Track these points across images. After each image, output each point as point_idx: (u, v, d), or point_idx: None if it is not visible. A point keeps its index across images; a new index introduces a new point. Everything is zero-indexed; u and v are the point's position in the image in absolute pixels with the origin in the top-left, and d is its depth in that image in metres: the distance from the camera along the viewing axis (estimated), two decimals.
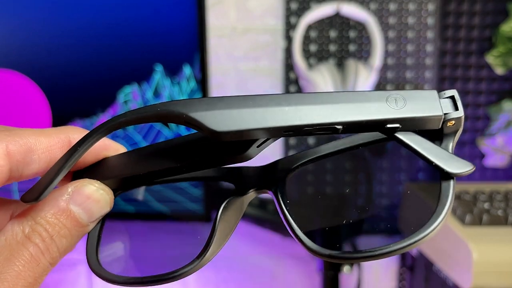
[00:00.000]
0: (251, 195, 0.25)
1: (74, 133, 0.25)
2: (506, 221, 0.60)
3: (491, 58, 0.79)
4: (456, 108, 0.21)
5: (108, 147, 0.26)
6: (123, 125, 0.22)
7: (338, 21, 0.78)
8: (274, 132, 0.20)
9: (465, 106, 0.80)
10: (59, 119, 0.69)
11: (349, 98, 0.20)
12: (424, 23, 0.78)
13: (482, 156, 0.82)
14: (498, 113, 0.80)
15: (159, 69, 0.66)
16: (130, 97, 0.67)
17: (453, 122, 0.21)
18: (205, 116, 0.19)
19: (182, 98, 0.22)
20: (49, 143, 0.24)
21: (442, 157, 0.21)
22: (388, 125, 0.21)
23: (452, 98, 0.21)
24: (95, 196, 0.23)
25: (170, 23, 0.64)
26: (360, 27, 0.78)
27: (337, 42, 0.79)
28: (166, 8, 0.64)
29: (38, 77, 0.68)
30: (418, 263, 0.76)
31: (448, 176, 0.21)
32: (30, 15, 0.66)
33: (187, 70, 0.65)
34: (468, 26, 0.79)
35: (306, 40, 0.78)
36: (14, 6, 0.66)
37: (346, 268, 0.72)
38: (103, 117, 0.68)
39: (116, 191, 0.24)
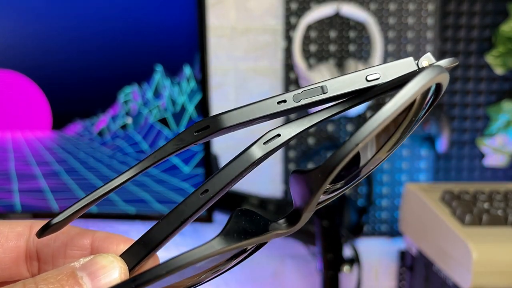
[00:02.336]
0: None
1: (98, 238, 0.25)
2: (506, 221, 0.60)
3: (490, 58, 0.79)
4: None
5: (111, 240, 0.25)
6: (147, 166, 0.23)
7: (338, 21, 0.78)
8: (269, 105, 0.22)
9: (465, 106, 0.80)
10: (59, 119, 0.69)
11: None
12: (424, 23, 0.78)
13: (482, 156, 0.82)
14: (498, 113, 0.80)
15: (159, 69, 0.66)
16: (130, 97, 0.67)
17: (426, 61, 0.22)
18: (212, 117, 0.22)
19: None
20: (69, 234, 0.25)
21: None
22: (369, 77, 0.22)
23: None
24: (102, 263, 0.21)
25: (170, 23, 0.64)
26: (360, 27, 0.78)
27: (337, 42, 0.79)
28: (166, 8, 0.64)
29: (38, 77, 0.68)
30: (418, 263, 0.76)
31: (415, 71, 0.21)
32: (30, 15, 0.66)
33: (187, 70, 0.65)
34: (468, 26, 0.79)
35: (306, 40, 0.78)
36: (14, 6, 0.66)
37: (346, 268, 0.72)
38: (103, 117, 0.68)
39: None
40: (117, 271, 0.21)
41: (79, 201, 0.22)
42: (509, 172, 0.82)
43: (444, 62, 0.21)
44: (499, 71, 0.79)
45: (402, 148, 0.82)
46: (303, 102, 0.22)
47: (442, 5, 0.78)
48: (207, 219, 0.70)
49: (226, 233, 0.20)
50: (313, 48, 0.79)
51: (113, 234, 0.25)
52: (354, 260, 0.73)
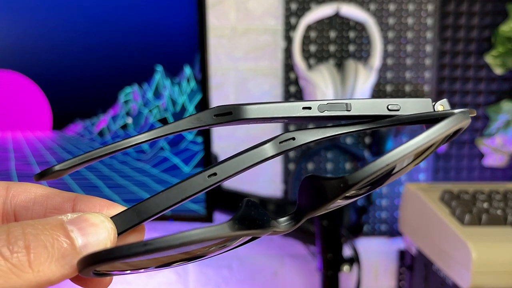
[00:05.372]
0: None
1: (80, 201, 0.23)
2: (505, 221, 0.60)
3: (490, 59, 0.79)
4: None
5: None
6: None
7: (337, 21, 0.78)
8: (294, 107, 0.23)
9: (464, 106, 0.81)
10: (60, 119, 0.69)
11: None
12: (423, 24, 0.79)
13: (481, 156, 0.82)
14: (497, 113, 0.80)
15: (159, 69, 0.66)
16: (131, 97, 0.67)
17: (441, 106, 0.24)
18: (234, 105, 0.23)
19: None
20: (48, 195, 0.24)
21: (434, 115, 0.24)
22: (390, 106, 0.24)
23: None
24: (93, 220, 0.20)
25: (170, 23, 0.64)
26: (360, 27, 0.78)
27: (337, 43, 0.79)
28: (166, 8, 0.64)
29: (38, 77, 0.68)
30: (418, 262, 0.76)
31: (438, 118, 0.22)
32: (30, 15, 0.66)
33: (187, 70, 0.65)
34: (467, 27, 0.79)
35: (306, 40, 0.79)
36: (14, 6, 0.66)
37: (345, 268, 0.72)
38: (104, 117, 0.68)
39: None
40: (106, 231, 0.20)
41: (85, 153, 0.22)
42: (509, 172, 0.83)
43: (464, 111, 0.23)
44: (498, 71, 0.79)
45: None
46: (326, 113, 0.23)
47: (441, 5, 0.78)
48: (207, 218, 0.70)
49: (240, 218, 0.20)
50: (313, 48, 0.79)
51: (96, 198, 0.24)
52: (354, 260, 0.73)
